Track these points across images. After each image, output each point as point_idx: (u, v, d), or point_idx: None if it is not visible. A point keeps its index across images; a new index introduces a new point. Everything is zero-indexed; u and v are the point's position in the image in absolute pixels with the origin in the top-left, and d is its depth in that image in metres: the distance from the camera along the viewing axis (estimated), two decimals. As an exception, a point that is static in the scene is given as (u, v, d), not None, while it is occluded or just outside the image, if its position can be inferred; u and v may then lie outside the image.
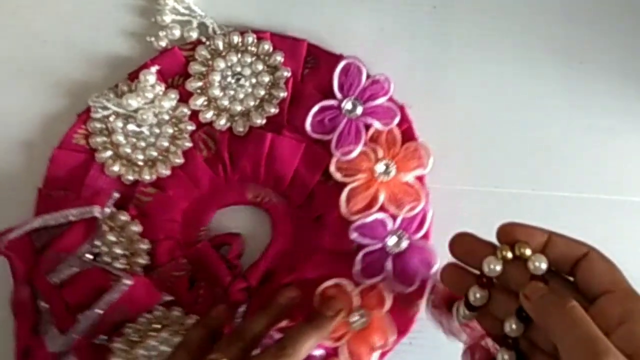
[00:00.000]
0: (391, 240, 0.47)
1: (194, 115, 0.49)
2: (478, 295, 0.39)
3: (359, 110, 0.48)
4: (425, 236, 0.48)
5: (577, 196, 0.50)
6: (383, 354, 0.48)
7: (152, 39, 0.50)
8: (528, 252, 0.37)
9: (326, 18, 0.51)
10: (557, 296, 0.36)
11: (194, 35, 0.51)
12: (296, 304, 0.45)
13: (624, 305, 0.35)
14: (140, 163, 0.49)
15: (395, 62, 0.50)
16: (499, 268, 0.38)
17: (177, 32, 0.51)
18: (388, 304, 0.47)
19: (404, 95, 0.49)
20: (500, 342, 0.39)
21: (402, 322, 0.47)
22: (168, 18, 0.51)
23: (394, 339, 0.46)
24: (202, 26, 0.51)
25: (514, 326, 0.38)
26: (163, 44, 0.51)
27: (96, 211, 0.46)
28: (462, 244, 0.40)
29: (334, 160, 0.48)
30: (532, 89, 0.51)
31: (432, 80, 0.51)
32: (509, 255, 0.38)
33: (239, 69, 0.50)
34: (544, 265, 0.37)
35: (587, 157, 0.50)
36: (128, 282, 0.46)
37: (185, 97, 0.50)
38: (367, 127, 0.48)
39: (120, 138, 0.49)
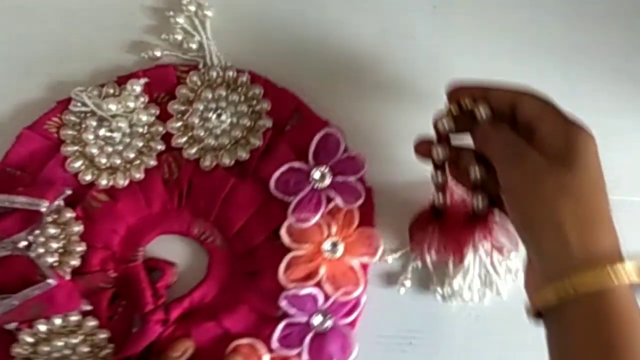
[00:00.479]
0: (317, 319, 0.47)
1: (168, 136, 0.49)
2: (440, 152, 0.44)
3: (327, 181, 0.48)
4: (352, 324, 0.48)
5: None
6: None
7: (144, 55, 0.51)
8: (471, 103, 0.42)
9: (326, 19, 0.51)
10: (495, 126, 0.41)
11: (193, 47, 0.51)
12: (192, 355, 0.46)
13: (558, 125, 0.39)
14: (102, 167, 0.49)
15: (396, 62, 0.51)
16: (450, 123, 0.43)
17: (179, 37, 0.51)
18: (294, 379, 0.47)
19: (404, 95, 0.50)
20: (474, 191, 0.44)
21: (303, 400, 0.47)
22: (181, 20, 0.51)
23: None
24: (202, 48, 0.51)
25: (477, 169, 0.42)
26: (158, 53, 0.51)
27: (43, 206, 0.46)
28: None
29: (286, 223, 0.48)
30: (531, 88, 0.51)
31: (432, 80, 0.51)
32: (457, 110, 0.43)
33: (223, 105, 0.50)
34: (487, 111, 0.42)
35: None
36: (52, 282, 0.46)
37: (164, 117, 0.50)
38: (329, 200, 0.48)
39: (90, 137, 0.49)
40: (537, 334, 0.49)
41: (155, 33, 0.51)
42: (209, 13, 0.51)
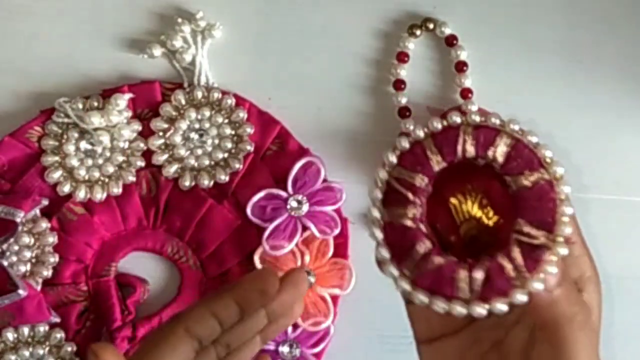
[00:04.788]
0: (284, 348, 0.49)
1: (148, 153, 0.51)
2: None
3: (304, 209, 0.50)
4: (318, 355, 0.49)
5: (577, 196, 0.51)
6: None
7: (144, 55, 0.52)
8: None
9: (324, 17, 0.53)
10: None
11: (187, 59, 0.52)
12: None
13: None
14: (81, 179, 0.51)
15: (395, 62, 0.52)
16: None
17: (177, 44, 0.52)
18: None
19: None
20: None
21: None
22: (186, 29, 0.52)
23: None
24: (194, 63, 0.52)
25: None
26: (157, 53, 0.52)
27: (19, 216, 0.48)
28: None
29: (260, 250, 0.49)
30: (531, 88, 0.53)
31: (431, 81, 0.53)
32: None
33: (207, 126, 0.51)
34: None
35: (587, 157, 0.52)
36: (22, 293, 0.48)
37: (146, 133, 0.51)
38: (305, 228, 0.49)
39: (71, 149, 0.51)
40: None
41: (156, 35, 0.53)
42: (216, 34, 0.52)
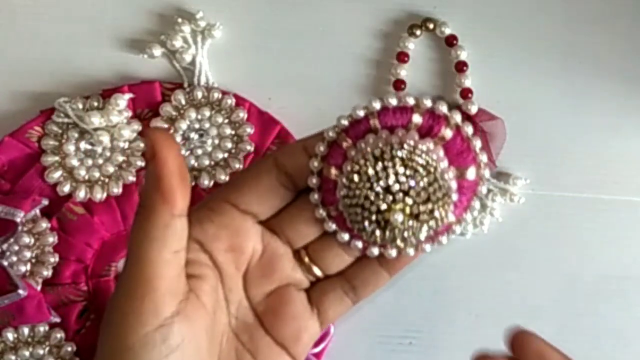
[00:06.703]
0: (283, 347, 0.49)
1: (149, 153, 0.51)
2: None
3: (304, 209, 0.50)
4: (318, 355, 0.50)
5: (577, 196, 0.53)
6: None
7: (144, 55, 0.52)
8: None
9: (324, 18, 0.53)
10: None
11: (187, 59, 0.53)
12: None
13: None
14: (81, 179, 0.51)
15: (395, 62, 0.53)
16: None
17: (177, 44, 0.52)
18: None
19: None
20: None
21: None
22: (186, 29, 0.53)
23: None
24: (194, 62, 0.53)
25: None
26: (157, 53, 0.52)
27: (19, 216, 0.48)
28: None
29: (260, 249, 0.50)
30: (531, 88, 0.53)
31: (431, 81, 0.53)
32: None
33: (207, 126, 0.51)
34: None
35: (587, 157, 0.53)
36: (22, 293, 0.48)
37: (146, 133, 0.51)
38: (305, 228, 0.50)
39: (71, 149, 0.51)
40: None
41: (156, 35, 0.53)
42: (216, 34, 0.53)
